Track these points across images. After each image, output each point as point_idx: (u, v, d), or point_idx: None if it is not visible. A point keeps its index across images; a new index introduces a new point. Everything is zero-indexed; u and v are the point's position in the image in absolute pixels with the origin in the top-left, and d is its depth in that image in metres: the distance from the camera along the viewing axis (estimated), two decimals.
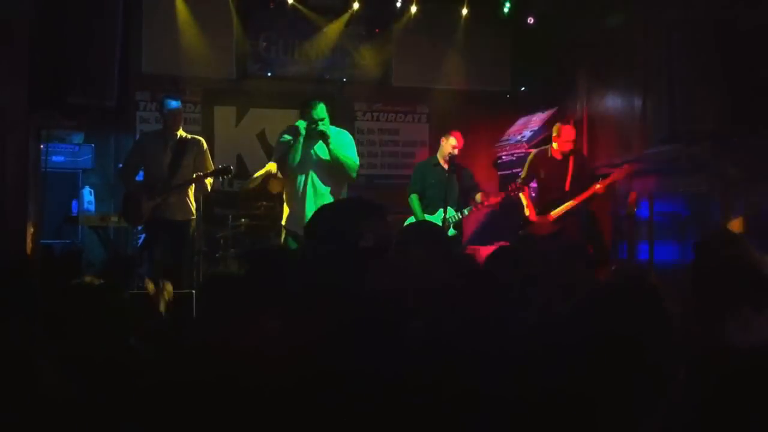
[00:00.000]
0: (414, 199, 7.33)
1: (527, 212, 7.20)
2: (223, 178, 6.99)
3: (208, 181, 6.65)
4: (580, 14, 8.35)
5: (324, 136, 6.18)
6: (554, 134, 7.24)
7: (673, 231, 7.06)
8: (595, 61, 8.46)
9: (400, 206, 7.54)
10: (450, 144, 7.25)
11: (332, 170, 6.27)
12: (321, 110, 6.20)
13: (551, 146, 7.28)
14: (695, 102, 6.02)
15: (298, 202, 6.30)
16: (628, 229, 7.12)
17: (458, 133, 7.33)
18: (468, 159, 7.86)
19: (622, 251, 7.57)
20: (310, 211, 6.04)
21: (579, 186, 7.08)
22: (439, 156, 7.34)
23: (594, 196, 7.05)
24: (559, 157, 7.20)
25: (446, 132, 7.45)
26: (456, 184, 7.25)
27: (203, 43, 8.75)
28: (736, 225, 5.97)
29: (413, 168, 7.85)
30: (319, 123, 6.17)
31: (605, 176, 7.13)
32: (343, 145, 6.31)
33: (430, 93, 9.56)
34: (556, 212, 7.08)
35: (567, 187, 7.13)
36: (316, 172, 6.29)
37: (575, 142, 7.32)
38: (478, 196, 7.26)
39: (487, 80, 9.71)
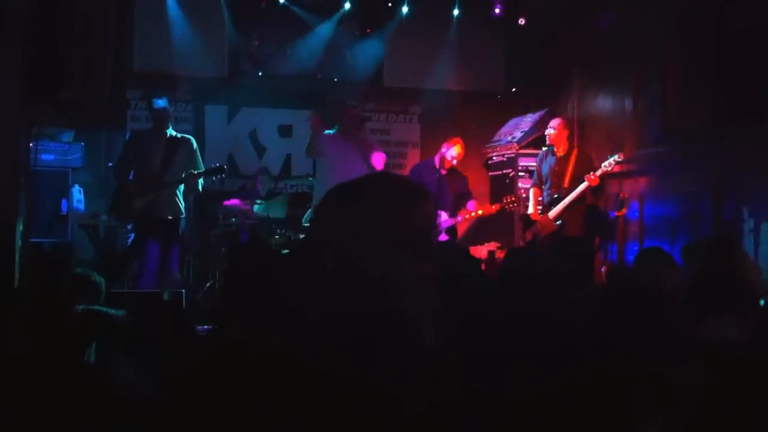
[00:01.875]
0: None
1: (531, 211, 7.24)
2: (215, 177, 6.98)
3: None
4: (572, 14, 8.37)
5: None
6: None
7: (664, 232, 7.08)
8: (587, 61, 8.48)
9: None
10: (451, 153, 7.27)
11: None
12: None
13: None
14: (688, 101, 6.04)
15: None
16: (618, 230, 7.13)
17: (461, 144, 7.33)
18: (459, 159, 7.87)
19: (611, 252, 7.59)
20: None
21: (578, 183, 7.14)
22: (436, 159, 7.31)
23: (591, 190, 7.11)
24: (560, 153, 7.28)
25: (448, 137, 7.45)
26: (450, 189, 7.27)
27: (194, 41, 8.70)
28: None
29: (410, 168, 7.90)
30: None
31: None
32: None
33: (422, 93, 9.53)
34: (554, 211, 7.12)
35: (566, 183, 7.18)
36: None
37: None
38: (471, 206, 7.29)
39: (479, 81, 9.70)
